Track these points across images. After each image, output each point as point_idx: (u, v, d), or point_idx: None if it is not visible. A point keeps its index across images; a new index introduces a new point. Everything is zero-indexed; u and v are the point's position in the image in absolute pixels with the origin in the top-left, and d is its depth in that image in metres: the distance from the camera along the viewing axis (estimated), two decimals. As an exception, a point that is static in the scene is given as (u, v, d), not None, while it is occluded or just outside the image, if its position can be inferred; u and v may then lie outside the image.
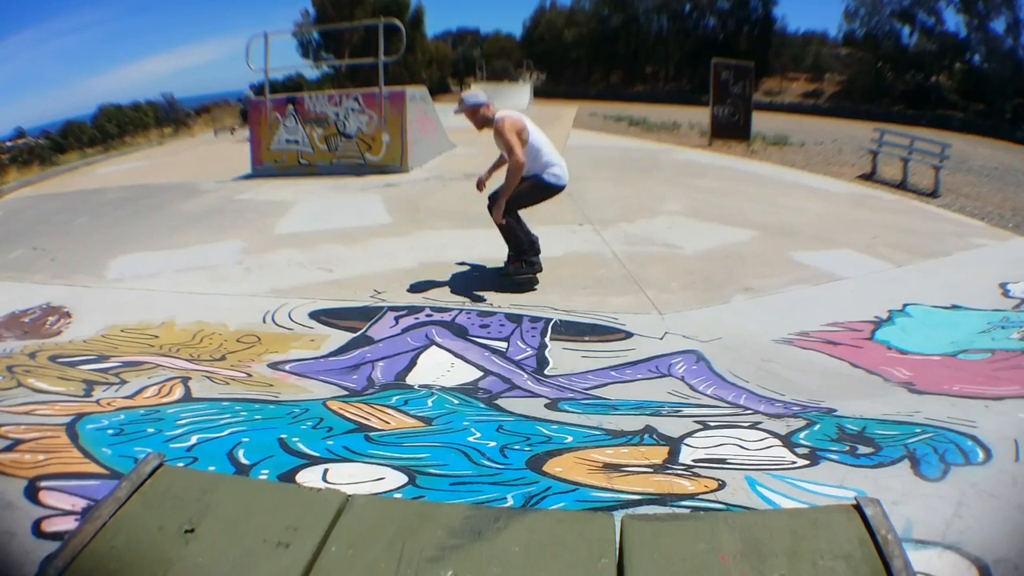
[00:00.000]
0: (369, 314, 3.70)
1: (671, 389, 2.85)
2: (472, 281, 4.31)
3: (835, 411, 2.53)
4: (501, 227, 4.09)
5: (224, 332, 3.48)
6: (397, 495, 1.81)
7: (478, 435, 2.24)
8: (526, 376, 2.97)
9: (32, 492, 1.72)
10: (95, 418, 2.24)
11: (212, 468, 1.92)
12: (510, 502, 1.78)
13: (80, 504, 1.66)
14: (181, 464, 1.91)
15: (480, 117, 4.05)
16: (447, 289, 4.13)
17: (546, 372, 3.04)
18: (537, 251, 4.18)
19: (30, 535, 1.53)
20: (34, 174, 13.26)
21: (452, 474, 1.96)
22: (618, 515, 1.43)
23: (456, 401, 2.63)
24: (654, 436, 2.25)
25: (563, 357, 3.20)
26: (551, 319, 3.64)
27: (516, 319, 3.63)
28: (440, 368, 3.04)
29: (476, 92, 4.25)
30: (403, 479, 1.90)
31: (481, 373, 2.98)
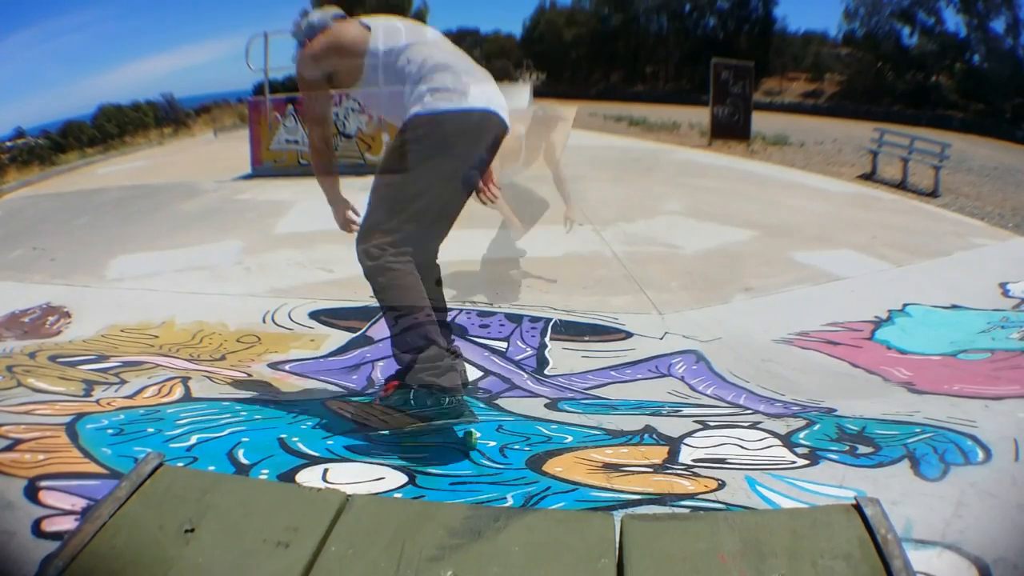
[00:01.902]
0: (369, 314, 3.69)
1: (671, 389, 2.85)
2: (472, 281, 4.31)
3: (835, 411, 2.53)
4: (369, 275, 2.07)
5: (224, 332, 3.48)
6: (397, 495, 1.81)
7: (478, 435, 2.24)
8: (526, 376, 2.97)
9: (32, 492, 1.72)
10: (95, 418, 2.24)
11: (212, 468, 1.92)
12: (510, 502, 1.78)
13: (80, 504, 1.66)
14: (181, 464, 1.91)
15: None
16: (447, 289, 4.12)
17: (546, 372, 3.04)
18: (445, 368, 2.06)
19: (30, 535, 1.53)
20: (34, 174, 13.25)
21: (452, 474, 1.95)
22: (618, 515, 1.43)
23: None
24: (654, 436, 2.25)
25: (563, 357, 3.20)
26: (551, 319, 3.64)
27: (516, 319, 3.63)
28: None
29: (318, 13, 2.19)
30: (403, 479, 1.90)
31: (481, 373, 2.98)
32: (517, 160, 3.81)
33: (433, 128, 1.98)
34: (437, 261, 2.40)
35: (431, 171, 2.01)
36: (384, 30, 2.12)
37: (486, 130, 2.08)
